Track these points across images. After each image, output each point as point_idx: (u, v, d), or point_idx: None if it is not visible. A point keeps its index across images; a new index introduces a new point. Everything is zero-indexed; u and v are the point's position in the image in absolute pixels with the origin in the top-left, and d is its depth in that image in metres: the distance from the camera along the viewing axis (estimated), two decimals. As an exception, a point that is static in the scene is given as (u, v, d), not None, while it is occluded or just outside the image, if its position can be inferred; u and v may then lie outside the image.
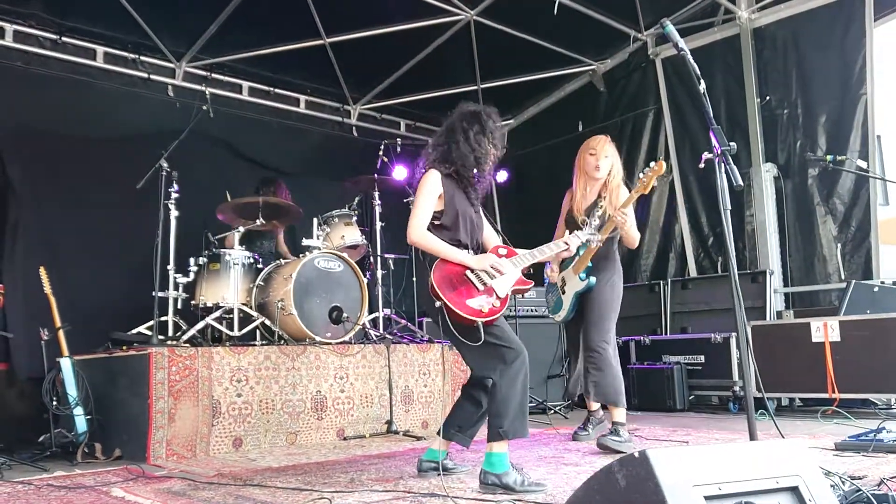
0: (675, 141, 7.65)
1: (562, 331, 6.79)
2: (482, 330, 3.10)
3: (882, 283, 5.98)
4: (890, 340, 5.18)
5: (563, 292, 4.44)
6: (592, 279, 4.30)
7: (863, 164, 5.72)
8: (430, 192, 3.28)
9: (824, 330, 5.49)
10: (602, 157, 4.29)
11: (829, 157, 5.33)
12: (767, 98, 6.98)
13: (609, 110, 8.33)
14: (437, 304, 3.11)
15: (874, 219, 6.29)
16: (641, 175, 3.89)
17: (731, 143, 2.33)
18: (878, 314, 5.34)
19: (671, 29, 2.49)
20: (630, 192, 4.04)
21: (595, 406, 4.51)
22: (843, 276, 6.35)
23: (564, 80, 8.59)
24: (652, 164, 3.83)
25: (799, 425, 4.97)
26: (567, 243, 3.51)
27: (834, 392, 5.37)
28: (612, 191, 4.25)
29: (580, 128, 8.54)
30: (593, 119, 8.40)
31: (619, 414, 4.24)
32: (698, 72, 2.46)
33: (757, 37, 7.08)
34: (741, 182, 2.32)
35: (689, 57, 2.45)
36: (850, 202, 6.43)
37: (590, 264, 4.28)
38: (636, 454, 1.54)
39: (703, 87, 2.44)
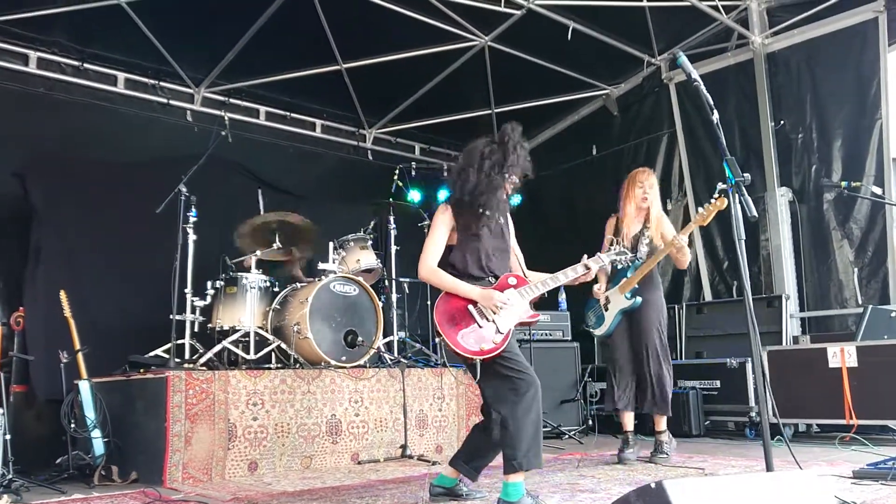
0: (689, 165, 7.67)
1: (577, 355, 6.81)
2: (479, 366, 3.12)
3: (901, 308, 5.95)
4: (908, 366, 5.14)
5: (606, 309, 4.85)
6: (638, 298, 4.70)
7: (877, 191, 5.71)
8: (441, 228, 3.33)
9: (841, 355, 5.45)
10: (648, 189, 4.82)
11: (843, 184, 5.32)
12: (782, 122, 6.99)
13: (623, 134, 8.36)
14: (438, 339, 3.15)
15: (891, 244, 6.25)
16: (701, 209, 4.36)
17: (745, 175, 2.34)
18: (895, 339, 5.30)
19: (684, 60, 2.52)
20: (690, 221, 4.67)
21: (630, 427, 4.83)
22: (859, 301, 6.31)
23: (578, 104, 8.64)
24: (713, 199, 4.23)
25: (816, 452, 4.92)
26: (588, 267, 3.47)
27: (852, 418, 5.32)
28: (657, 221, 4.77)
29: (594, 151, 8.58)
30: (607, 143, 8.44)
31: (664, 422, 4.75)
32: (711, 102, 2.48)
33: (770, 61, 7.11)
34: (755, 213, 2.33)
35: (703, 87, 2.47)
36: (867, 227, 6.40)
37: (636, 286, 4.70)
38: (653, 484, 1.55)
39: (716, 117, 2.46)
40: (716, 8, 6.85)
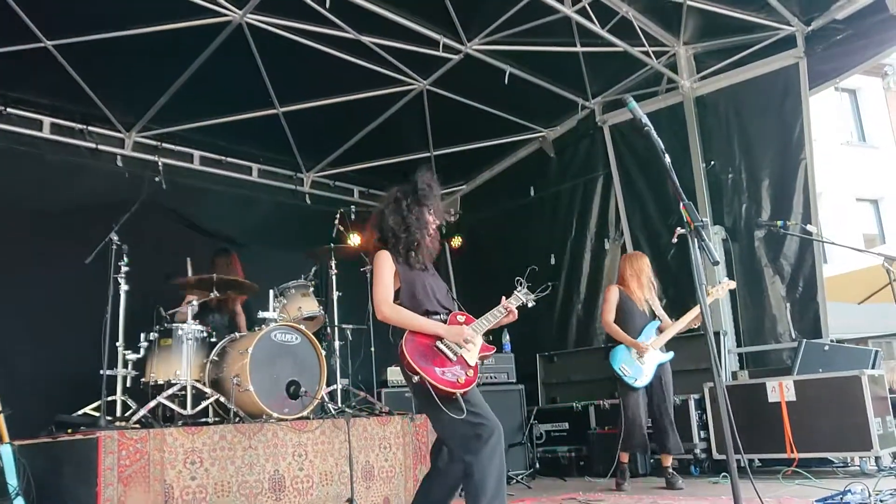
0: (625, 205, 7.80)
1: (522, 398, 6.78)
2: (462, 401, 3.07)
3: (832, 341, 6.12)
4: (844, 399, 5.28)
5: (643, 363, 5.52)
6: (671, 353, 5.61)
7: (811, 229, 5.92)
8: (386, 270, 3.32)
9: (780, 390, 5.57)
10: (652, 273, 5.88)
11: (779, 223, 5.52)
12: (712, 163, 7.20)
13: (559, 176, 8.47)
14: (415, 378, 3.08)
15: (820, 279, 6.47)
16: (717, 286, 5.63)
17: (704, 219, 2.35)
18: (831, 373, 5.46)
19: (635, 106, 2.53)
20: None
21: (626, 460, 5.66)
22: (793, 336, 6.48)
23: (515, 146, 8.72)
24: (725, 280, 5.80)
25: (761, 488, 4.93)
26: (508, 308, 3.49)
27: (792, 452, 5.42)
28: (655, 295, 5.84)
29: (532, 193, 8.67)
30: (545, 184, 8.55)
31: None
32: (663, 146, 2.49)
33: (699, 104, 7.35)
34: (717, 258, 2.34)
35: (653, 132, 2.49)
36: (797, 263, 6.61)
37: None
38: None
39: (668, 160, 2.47)
40: (646, 53, 7.07)
